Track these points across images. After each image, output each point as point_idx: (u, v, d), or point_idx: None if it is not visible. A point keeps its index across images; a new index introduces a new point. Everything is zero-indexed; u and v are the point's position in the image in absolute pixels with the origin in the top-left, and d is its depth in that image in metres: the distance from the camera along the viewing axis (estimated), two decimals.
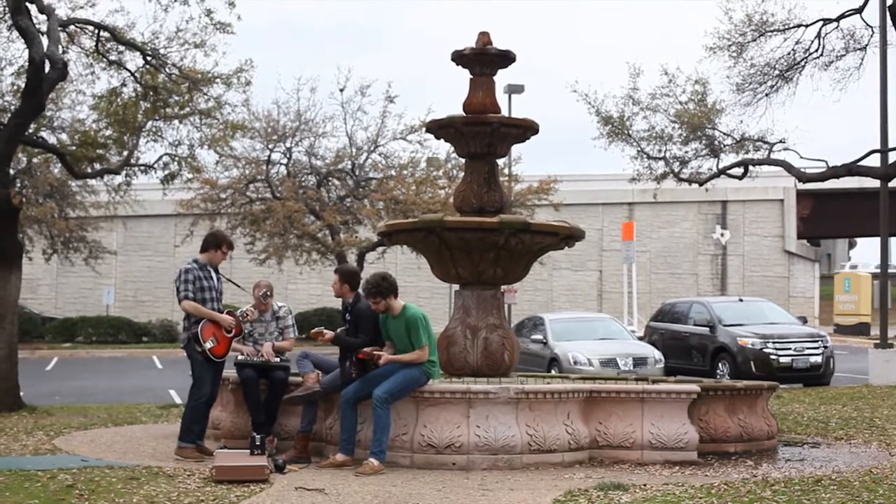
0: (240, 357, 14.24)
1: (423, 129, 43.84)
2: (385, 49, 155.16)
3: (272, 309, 14.67)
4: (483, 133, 15.71)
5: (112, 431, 16.84)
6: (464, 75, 16.31)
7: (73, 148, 27.55)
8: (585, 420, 13.46)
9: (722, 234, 64.54)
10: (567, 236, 15.75)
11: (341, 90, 47.89)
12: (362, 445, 12.80)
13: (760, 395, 14.90)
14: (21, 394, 21.33)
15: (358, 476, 11.99)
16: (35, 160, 40.26)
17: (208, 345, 13.41)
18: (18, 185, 42.34)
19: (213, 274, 13.88)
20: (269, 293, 14.43)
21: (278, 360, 14.26)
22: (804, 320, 33.22)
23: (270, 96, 79.78)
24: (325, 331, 13.51)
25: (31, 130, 26.56)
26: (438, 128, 16.23)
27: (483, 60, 16.05)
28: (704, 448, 13.61)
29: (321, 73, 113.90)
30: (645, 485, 11.30)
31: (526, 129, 16.10)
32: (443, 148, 47.81)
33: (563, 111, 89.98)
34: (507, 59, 16.11)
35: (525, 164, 51.84)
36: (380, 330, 13.18)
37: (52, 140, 29.71)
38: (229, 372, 14.40)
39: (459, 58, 16.12)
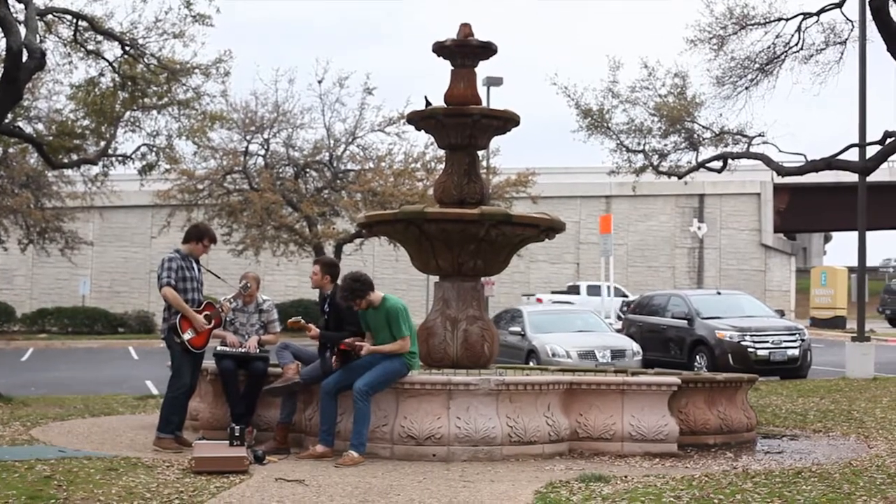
0: (219, 348, 14.18)
1: (403, 120, 44.01)
2: (364, 42, 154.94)
3: (256, 301, 14.61)
4: (464, 124, 15.66)
5: (89, 422, 16.75)
6: (444, 68, 16.26)
7: (51, 138, 27.44)
8: (566, 412, 13.46)
9: (699, 228, 64.68)
10: (548, 228, 15.72)
11: (319, 82, 47.76)
12: (342, 437, 12.76)
13: (740, 387, 14.93)
14: None
15: (338, 467, 11.96)
16: (11, 150, 40.10)
17: (187, 336, 13.36)
18: None
19: (195, 265, 13.83)
20: (249, 285, 14.34)
21: (258, 350, 14.20)
22: (781, 313, 33.30)
23: (248, 87, 79.57)
24: (312, 326, 13.46)
25: (7, 120, 26.42)
26: (419, 119, 16.17)
27: (464, 52, 15.99)
28: (684, 440, 13.64)
29: (299, 64, 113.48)
30: (626, 476, 11.29)
31: (507, 121, 16.06)
32: (421, 140, 47.81)
33: (541, 104, 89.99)
34: (488, 50, 16.06)
35: (503, 156, 51.94)
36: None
37: (28, 130, 29.58)
38: (208, 363, 14.34)
39: (441, 49, 16.05)
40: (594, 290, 51.06)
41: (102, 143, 27.35)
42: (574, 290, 54.65)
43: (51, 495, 9.87)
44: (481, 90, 16.85)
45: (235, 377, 14.06)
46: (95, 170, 32.59)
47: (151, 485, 10.59)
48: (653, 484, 10.74)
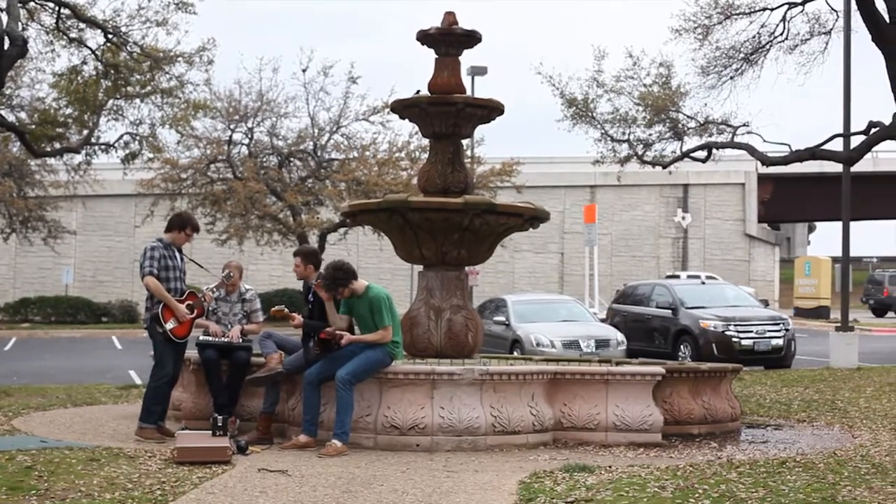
0: (201, 337, 14.11)
1: (387, 110, 43.94)
2: (349, 31, 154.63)
3: (239, 290, 14.53)
4: (448, 113, 15.57)
5: (71, 412, 16.66)
6: (428, 57, 16.17)
7: (33, 126, 27.33)
8: (550, 402, 13.41)
9: (683, 218, 64.77)
10: (532, 217, 15.65)
11: (304, 71, 47.72)
12: (325, 427, 12.71)
13: (724, 377, 14.91)
14: None
15: (321, 457, 11.90)
16: None
17: (169, 325, 13.29)
18: None
19: (177, 254, 13.76)
20: (231, 274, 14.26)
21: (241, 340, 14.14)
22: (766, 303, 33.33)
23: (232, 76, 79.37)
24: (295, 315, 13.41)
25: None
26: (403, 108, 16.08)
27: (448, 40, 15.88)
28: (668, 430, 13.61)
29: (283, 54, 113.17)
30: (610, 466, 11.24)
31: (491, 110, 15.97)
32: (405, 130, 47.71)
33: (526, 94, 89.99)
34: (472, 38, 15.96)
35: (488, 146, 51.71)
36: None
37: (11, 118, 29.46)
38: (191, 352, 14.26)
39: (425, 37, 15.95)
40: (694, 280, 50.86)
41: (85, 132, 27.27)
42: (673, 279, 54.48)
43: (32, 486, 9.79)
44: (466, 80, 16.81)
45: (218, 367, 13.99)
46: (78, 158, 32.52)
47: (133, 475, 10.52)
48: (637, 474, 10.70)
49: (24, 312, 52.18)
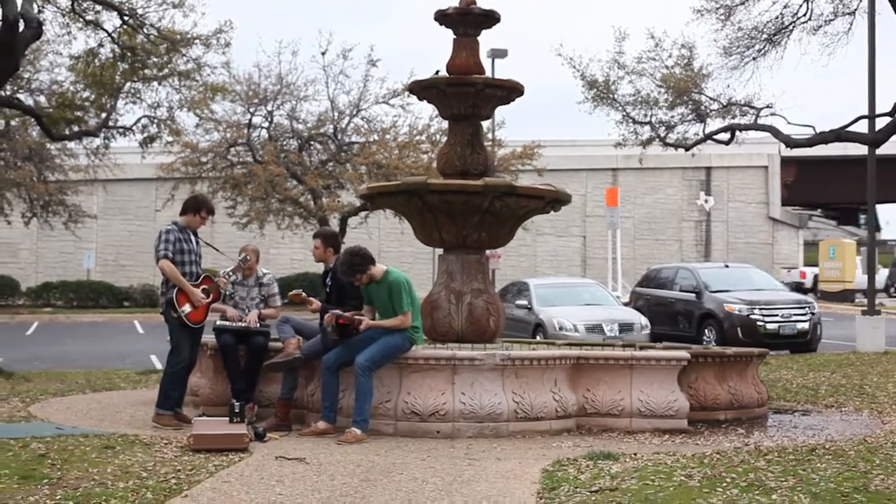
0: (218, 322, 13.92)
1: (406, 92, 43.67)
2: (368, 14, 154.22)
3: (256, 274, 14.33)
4: (467, 94, 15.33)
5: (89, 398, 16.52)
6: (447, 39, 15.93)
7: (50, 110, 27.20)
8: (573, 387, 13.18)
9: (706, 201, 64.28)
10: (553, 200, 15.41)
11: (323, 53, 47.39)
12: (344, 413, 12.49)
13: (750, 361, 14.64)
14: None
15: (340, 444, 11.69)
16: (13, 123, 39.89)
17: (185, 310, 13.08)
18: None
19: (193, 237, 13.55)
20: (248, 258, 14.05)
21: (258, 325, 13.94)
22: (798, 287, 32.97)
23: (251, 59, 79.12)
24: (313, 299, 13.20)
25: (7, 92, 26.19)
26: (421, 89, 15.85)
27: (466, 20, 15.64)
28: (694, 416, 13.35)
29: (302, 36, 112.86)
30: (635, 454, 11.00)
31: (511, 91, 15.72)
32: (425, 112, 47.47)
33: (547, 76, 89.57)
34: (491, 18, 15.72)
35: (509, 129, 51.56)
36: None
37: (30, 102, 29.35)
38: (208, 337, 14.07)
39: (443, 17, 15.71)
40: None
41: (103, 115, 27.12)
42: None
43: (44, 475, 9.61)
44: (486, 62, 16.53)
45: (236, 352, 13.80)
46: (97, 142, 32.38)
47: (148, 463, 10.33)
48: (663, 462, 10.46)
49: (47, 297, 52.13)
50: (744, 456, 10.79)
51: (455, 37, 15.75)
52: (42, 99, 31.02)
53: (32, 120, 31.74)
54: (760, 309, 27.11)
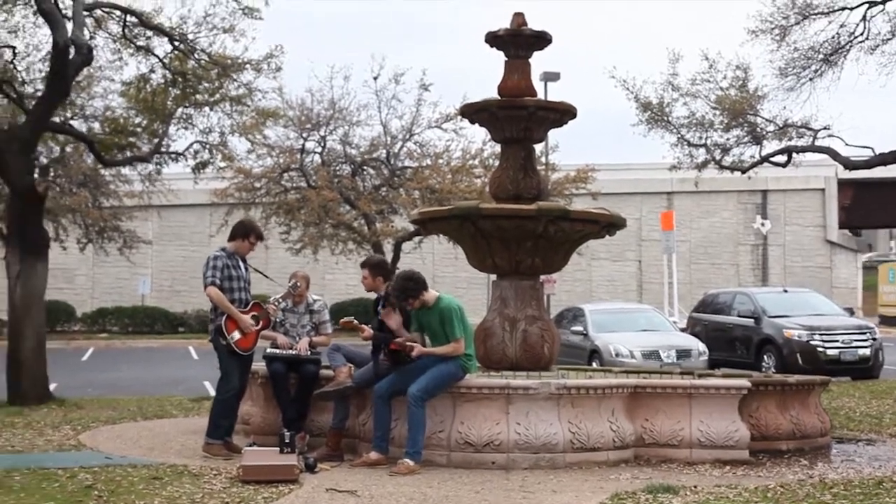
0: (269, 350, 13.70)
1: (459, 117, 43.48)
2: (418, 37, 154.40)
3: (307, 301, 14.12)
4: (519, 117, 15.08)
5: (140, 426, 16.38)
6: (499, 61, 15.69)
7: (102, 135, 27.24)
8: (631, 417, 12.85)
9: (762, 224, 63.62)
10: (608, 224, 15.11)
11: (375, 78, 47.27)
12: (397, 443, 12.23)
13: (813, 389, 14.26)
14: (53, 385, 21.00)
15: (392, 476, 11.43)
16: (68, 149, 40.04)
17: (234, 337, 12.86)
18: (52, 174, 42.17)
19: (241, 263, 13.34)
20: (298, 284, 13.82)
21: (309, 353, 13.70)
22: (851, 311, 32.42)
23: (304, 84, 79.10)
24: (365, 327, 12.94)
25: (62, 119, 26.27)
26: (473, 112, 15.60)
27: (518, 42, 15.39)
28: (755, 446, 12.97)
29: (354, 61, 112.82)
30: (696, 486, 10.67)
31: (563, 113, 15.45)
32: (478, 137, 47.23)
33: (600, 99, 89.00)
34: (542, 40, 15.45)
35: (562, 152, 51.05)
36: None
37: (83, 129, 29.42)
38: (258, 365, 13.86)
39: (494, 39, 15.47)
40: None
41: (155, 141, 27.11)
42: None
43: None
44: (538, 86, 16.25)
45: (286, 380, 13.59)
46: (150, 168, 32.42)
47: (196, 495, 10.12)
48: (724, 495, 10.13)
49: (102, 322, 52.33)
50: (808, 489, 10.45)
51: (506, 59, 15.50)
52: (96, 125, 31.09)
53: (85, 146, 31.79)
54: (821, 335, 26.59)
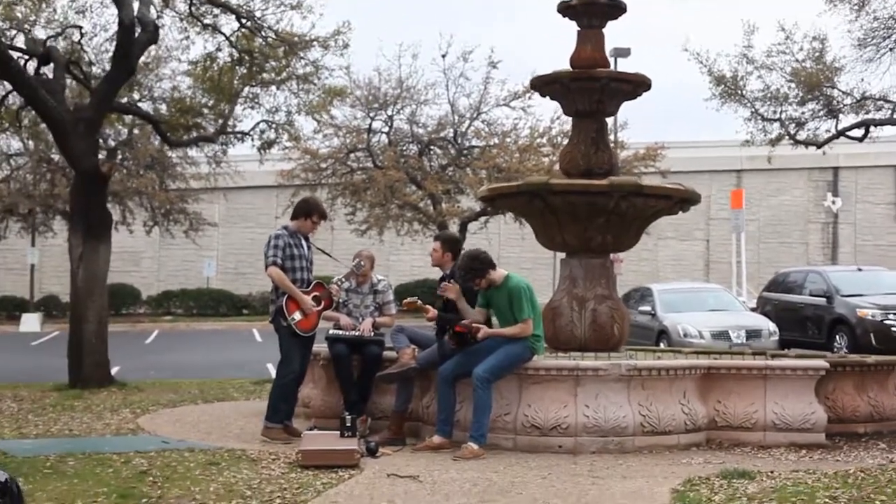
0: (331, 331, 13.39)
1: (528, 94, 43.03)
2: (488, 14, 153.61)
3: (371, 281, 13.79)
4: (591, 89, 14.65)
5: (200, 409, 16.18)
6: (570, 37, 15.28)
7: (168, 116, 27.10)
8: (703, 399, 12.41)
9: (833, 202, 62.59)
10: (681, 200, 14.68)
11: (443, 56, 46.83)
12: (461, 426, 11.88)
13: (892, 370, 13.74)
14: (115, 368, 20.88)
15: (456, 460, 11.08)
16: (135, 131, 40.06)
17: (295, 318, 12.55)
18: (119, 156, 42.25)
19: (304, 242, 13.02)
20: (362, 264, 13.49)
21: (372, 334, 13.37)
22: None
23: (371, 63, 78.82)
24: (429, 307, 12.59)
25: (131, 101, 26.19)
26: (544, 84, 15.19)
27: (591, 11, 14.96)
28: (831, 429, 12.50)
29: (423, 39, 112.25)
30: (772, 472, 10.23)
31: (637, 85, 15.00)
32: (546, 115, 46.72)
33: (669, 75, 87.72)
34: (616, 9, 15.03)
35: (631, 130, 50.31)
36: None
37: (150, 109, 29.34)
38: (320, 346, 13.55)
39: (567, 9, 15.05)
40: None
41: (221, 121, 26.91)
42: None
43: (143, 493, 9.16)
44: (608, 61, 15.77)
45: (349, 362, 13.26)
46: (216, 148, 32.30)
47: (253, 481, 9.82)
48: (803, 481, 9.70)
49: (167, 305, 52.44)
50: (891, 475, 9.99)
51: (579, 29, 15.09)
52: (163, 107, 30.98)
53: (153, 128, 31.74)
54: (895, 314, 25.94)
